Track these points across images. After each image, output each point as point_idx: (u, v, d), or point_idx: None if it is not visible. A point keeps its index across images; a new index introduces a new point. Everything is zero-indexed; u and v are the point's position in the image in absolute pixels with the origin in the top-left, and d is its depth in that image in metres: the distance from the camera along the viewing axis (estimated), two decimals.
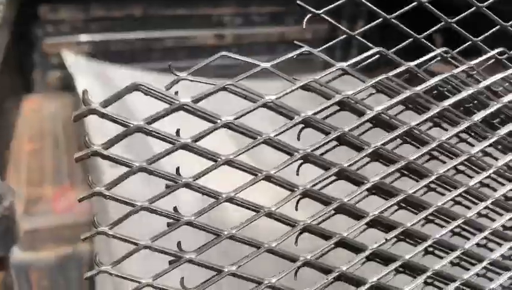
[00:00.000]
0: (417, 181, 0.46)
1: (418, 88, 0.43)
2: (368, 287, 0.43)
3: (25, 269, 1.53)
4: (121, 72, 2.12)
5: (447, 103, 0.45)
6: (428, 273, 0.45)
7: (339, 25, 0.43)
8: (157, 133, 0.36)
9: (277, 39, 2.54)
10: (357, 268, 0.44)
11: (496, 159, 0.49)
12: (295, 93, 0.41)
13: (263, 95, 0.39)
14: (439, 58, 0.46)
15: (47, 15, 2.52)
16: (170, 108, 0.36)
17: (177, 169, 0.39)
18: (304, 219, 0.42)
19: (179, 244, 0.40)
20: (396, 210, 0.46)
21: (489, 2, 0.48)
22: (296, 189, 0.41)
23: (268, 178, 0.40)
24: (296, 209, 0.42)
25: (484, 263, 0.47)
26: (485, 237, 0.48)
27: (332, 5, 0.42)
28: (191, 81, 0.37)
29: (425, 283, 0.46)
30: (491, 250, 0.49)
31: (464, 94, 0.46)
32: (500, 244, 0.48)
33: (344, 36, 0.45)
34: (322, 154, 0.43)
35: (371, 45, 0.43)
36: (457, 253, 0.46)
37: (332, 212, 0.43)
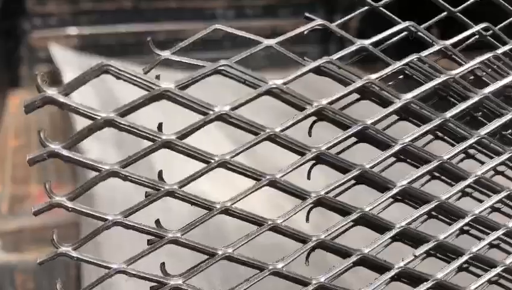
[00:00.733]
0: (451, 185, 0.38)
1: (454, 72, 0.36)
2: None
3: (10, 271, 1.48)
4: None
5: (487, 90, 0.37)
6: None
7: None
8: (133, 127, 0.28)
9: (270, 32, 2.47)
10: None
11: None
12: (302, 80, 0.33)
13: (267, 80, 0.30)
14: (477, 36, 0.38)
15: (34, 8, 2.45)
16: (148, 95, 0.28)
17: (160, 173, 0.31)
18: (316, 233, 0.34)
19: (162, 266, 0.32)
20: (425, 220, 0.38)
21: None
22: (308, 196, 0.33)
23: (274, 183, 0.32)
24: (307, 221, 0.34)
25: None
26: None
27: None
28: (176, 61, 0.29)
29: None
30: None
31: (507, 80, 0.38)
32: None
33: (366, 8, 0.36)
34: (338, 153, 0.35)
35: (398, 18, 0.35)
36: (498, 270, 0.38)
37: (351, 224, 0.35)
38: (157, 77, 0.29)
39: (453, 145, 0.37)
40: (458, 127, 0.36)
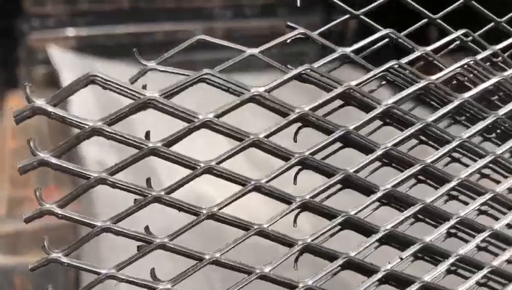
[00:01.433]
0: (436, 188, 0.38)
1: (434, 77, 0.36)
2: None
3: (9, 274, 1.48)
4: (110, 68, 2.04)
5: (467, 94, 0.38)
6: None
7: (346, 7, 0.35)
8: (120, 136, 0.29)
9: (269, 32, 2.47)
10: None
11: None
12: (290, 85, 0.33)
13: (249, 87, 0.31)
14: (458, 42, 0.38)
15: (32, 9, 2.45)
16: (135, 104, 0.29)
17: (148, 180, 0.32)
18: (303, 237, 0.34)
19: (152, 271, 0.32)
20: (413, 223, 0.39)
21: None
22: (293, 201, 0.34)
23: (259, 189, 0.33)
24: (295, 226, 0.35)
25: None
26: None
27: None
28: (161, 71, 0.30)
29: None
30: None
31: (486, 84, 0.38)
32: None
33: (346, 17, 0.37)
34: (324, 158, 0.35)
35: (378, 26, 0.36)
36: (485, 272, 0.39)
37: (338, 227, 0.36)
38: (144, 87, 0.30)
39: (437, 149, 0.38)
40: (441, 131, 0.37)
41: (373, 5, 0.37)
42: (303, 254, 0.35)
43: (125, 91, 0.29)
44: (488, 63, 0.40)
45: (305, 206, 0.34)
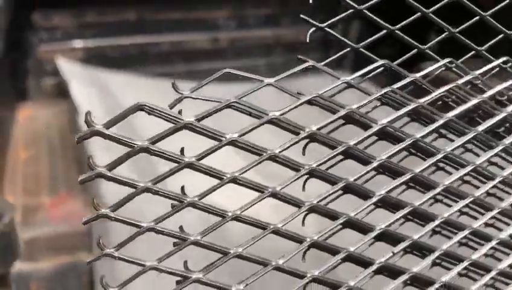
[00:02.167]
0: (423, 193, 0.45)
1: (422, 100, 0.43)
2: None
3: (25, 280, 1.51)
4: (117, 78, 2.10)
5: (451, 114, 0.45)
6: (436, 286, 0.45)
7: (345, 39, 0.43)
8: (162, 153, 0.36)
9: (273, 41, 2.53)
10: (365, 282, 0.43)
11: (502, 168, 0.49)
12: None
13: (267, 112, 0.38)
14: (443, 68, 0.45)
15: (41, 22, 2.51)
16: (174, 127, 0.36)
17: (182, 188, 0.39)
18: (310, 236, 0.41)
19: (185, 263, 0.39)
20: (403, 223, 0.45)
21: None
22: (302, 205, 0.40)
23: (275, 195, 0.40)
24: (303, 225, 0.42)
25: (492, 273, 0.47)
26: (493, 247, 0.48)
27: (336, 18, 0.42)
28: (194, 98, 0.36)
29: None
30: (499, 260, 0.48)
31: (468, 105, 0.45)
32: (508, 254, 0.48)
33: (347, 50, 0.44)
34: (329, 168, 0.42)
35: (375, 57, 0.43)
36: (465, 264, 0.46)
37: (340, 227, 0.42)
38: (180, 112, 0.37)
39: (424, 160, 0.45)
40: (428, 145, 0.44)
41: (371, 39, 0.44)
42: (310, 249, 0.41)
43: (167, 116, 0.36)
44: (469, 86, 0.47)
45: (313, 210, 0.41)
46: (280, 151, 0.39)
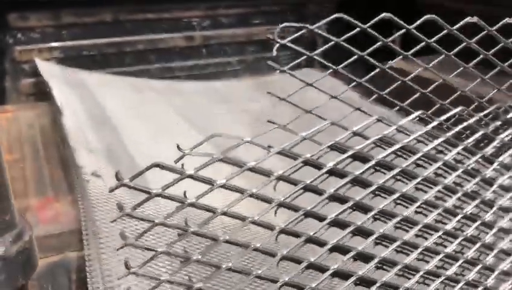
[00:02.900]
0: (364, 189, 0.60)
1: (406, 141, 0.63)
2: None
3: None
4: (95, 77, 2.17)
5: (425, 149, 0.64)
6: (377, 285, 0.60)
7: (301, 49, 0.56)
8: (171, 197, 0.50)
9: (245, 39, 2.64)
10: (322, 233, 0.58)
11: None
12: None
13: (245, 164, 0.52)
14: (418, 116, 0.61)
15: (17, 23, 2.53)
16: (179, 177, 0.49)
17: (185, 193, 0.52)
18: (279, 224, 0.55)
19: (184, 249, 0.53)
20: (350, 213, 0.60)
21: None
22: (273, 202, 0.55)
23: (281, 205, 0.55)
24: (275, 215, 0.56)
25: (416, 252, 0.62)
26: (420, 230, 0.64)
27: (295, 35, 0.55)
28: (194, 155, 0.50)
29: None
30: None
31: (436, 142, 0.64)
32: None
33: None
34: (291, 174, 0.56)
35: (330, 65, 0.58)
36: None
37: (302, 217, 0.57)
38: (182, 166, 0.50)
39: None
40: (410, 172, 0.61)
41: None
42: (279, 234, 0.56)
43: (174, 171, 0.49)
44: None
45: (281, 205, 0.55)
46: (284, 172, 0.55)
